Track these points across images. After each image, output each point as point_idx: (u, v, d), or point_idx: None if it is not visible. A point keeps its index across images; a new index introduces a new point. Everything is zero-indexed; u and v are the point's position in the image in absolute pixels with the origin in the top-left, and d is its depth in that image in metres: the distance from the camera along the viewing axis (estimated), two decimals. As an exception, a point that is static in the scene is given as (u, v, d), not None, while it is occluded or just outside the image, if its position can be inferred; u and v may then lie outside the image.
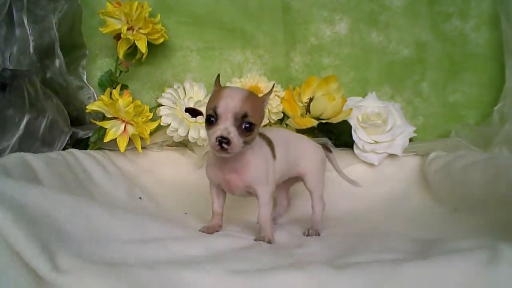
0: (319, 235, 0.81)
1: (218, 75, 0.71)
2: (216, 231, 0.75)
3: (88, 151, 0.95)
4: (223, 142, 0.60)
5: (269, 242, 0.71)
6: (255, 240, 0.72)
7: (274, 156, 0.75)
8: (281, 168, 0.76)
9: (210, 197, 0.78)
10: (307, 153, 0.85)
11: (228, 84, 1.10)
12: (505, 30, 1.15)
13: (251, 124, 0.62)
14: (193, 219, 0.86)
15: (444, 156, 1.02)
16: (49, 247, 0.48)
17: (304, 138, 0.90)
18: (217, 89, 0.68)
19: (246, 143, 0.64)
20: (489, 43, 1.20)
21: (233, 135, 0.61)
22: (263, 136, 0.75)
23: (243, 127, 0.62)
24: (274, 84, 0.75)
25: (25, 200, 0.49)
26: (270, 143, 0.75)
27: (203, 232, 0.73)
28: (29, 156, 0.67)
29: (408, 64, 1.21)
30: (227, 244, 0.67)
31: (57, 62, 1.02)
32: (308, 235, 0.81)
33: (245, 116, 0.61)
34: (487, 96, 1.20)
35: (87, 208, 0.57)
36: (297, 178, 0.87)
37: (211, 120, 0.63)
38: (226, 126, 0.61)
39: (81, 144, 1.06)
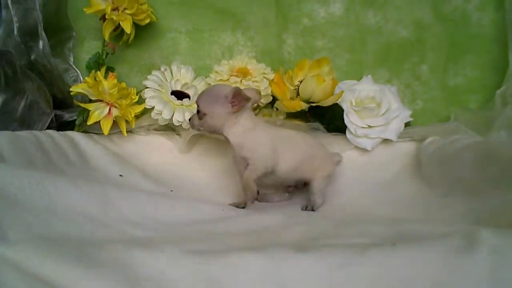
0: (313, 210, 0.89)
1: None
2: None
3: (67, 132, 0.93)
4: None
5: (243, 207, 0.84)
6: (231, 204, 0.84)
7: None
8: (289, 165, 0.87)
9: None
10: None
11: (216, 66, 1.08)
12: (509, 9, 1.09)
13: (198, 111, 0.85)
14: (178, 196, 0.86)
15: (438, 141, 0.97)
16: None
17: (322, 146, 0.97)
18: None
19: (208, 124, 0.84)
20: (493, 23, 1.14)
21: (193, 117, 0.87)
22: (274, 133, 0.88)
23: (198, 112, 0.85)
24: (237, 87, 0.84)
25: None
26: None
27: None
28: (-9, 133, 0.66)
29: (406, 46, 1.16)
30: (197, 223, 0.66)
31: (40, 44, 1.00)
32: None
33: (197, 106, 0.85)
34: (490, 80, 1.14)
35: (46, 181, 0.56)
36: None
37: None
38: (194, 114, 0.87)
39: (67, 127, 1.05)
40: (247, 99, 0.82)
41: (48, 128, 0.96)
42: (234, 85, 1.00)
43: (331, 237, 0.60)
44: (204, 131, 0.88)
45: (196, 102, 0.86)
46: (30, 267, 0.44)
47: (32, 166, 0.67)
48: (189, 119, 0.89)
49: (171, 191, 0.91)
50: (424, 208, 0.82)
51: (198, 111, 0.85)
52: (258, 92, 0.90)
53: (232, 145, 0.85)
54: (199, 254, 0.49)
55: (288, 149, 0.86)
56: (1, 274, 0.42)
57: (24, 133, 0.76)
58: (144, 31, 1.12)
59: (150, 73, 1.07)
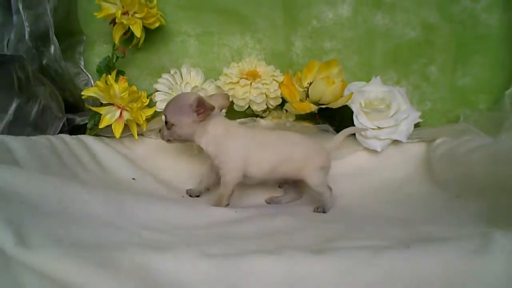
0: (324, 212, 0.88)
1: None
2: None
3: (80, 136, 0.94)
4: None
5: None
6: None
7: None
8: (263, 167, 0.86)
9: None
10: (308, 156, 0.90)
11: (225, 69, 1.07)
12: (517, 9, 1.09)
13: (166, 122, 0.86)
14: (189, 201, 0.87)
15: (448, 142, 0.97)
16: (17, 222, 0.47)
17: (306, 141, 0.93)
18: None
19: (177, 133, 0.86)
20: (501, 24, 1.14)
21: (162, 128, 0.88)
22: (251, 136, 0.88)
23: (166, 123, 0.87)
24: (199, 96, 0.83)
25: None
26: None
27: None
28: (8, 139, 0.67)
29: (414, 47, 1.16)
30: (209, 227, 0.66)
31: (52, 48, 1.01)
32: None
33: (165, 117, 0.86)
34: (499, 80, 1.14)
35: (63, 186, 0.57)
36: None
37: None
38: (163, 125, 0.88)
39: (79, 130, 1.06)
40: (211, 108, 0.83)
41: (60, 132, 0.97)
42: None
43: (344, 239, 0.60)
44: (175, 141, 0.89)
45: (164, 113, 0.87)
46: (49, 271, 0.44)
47: (48, 171, 0.68)
48: (159, 131, 0.89)
49: (183, 196, 0.91)
50: (435, 209, 0.82)
51: (166, 122, 0.86)
52: (227, 97, 0.92)
53: (206, 153, 0.87)
54: (214, 258, 0.49)
55: (261, 152, 0.86)
56: (21, 278, 0.43)
57: (38, 138, 0.77)
58: (154, 35, 1.13)
59: (160, 76, 1.08)
